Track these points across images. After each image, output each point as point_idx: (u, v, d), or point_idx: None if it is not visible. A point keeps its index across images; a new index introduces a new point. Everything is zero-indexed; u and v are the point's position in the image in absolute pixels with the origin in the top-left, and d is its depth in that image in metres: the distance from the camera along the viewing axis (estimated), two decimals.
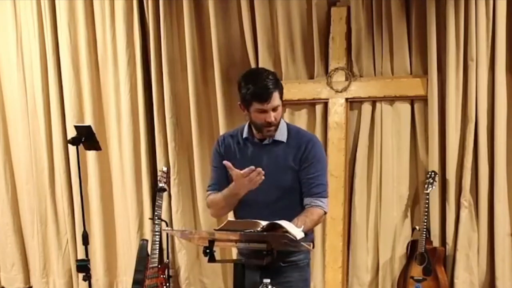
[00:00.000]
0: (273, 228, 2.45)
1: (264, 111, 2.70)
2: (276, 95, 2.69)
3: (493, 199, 4.13)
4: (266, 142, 2.83)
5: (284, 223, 2.47)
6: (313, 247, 2.95)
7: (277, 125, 2.77)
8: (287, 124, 2.91)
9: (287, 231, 2.42)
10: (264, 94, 2.66)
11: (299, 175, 2.79)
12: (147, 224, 4.87)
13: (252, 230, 2.44)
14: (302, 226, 2.57)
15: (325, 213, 2.80)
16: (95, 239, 5.03)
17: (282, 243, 2.47)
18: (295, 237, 2.41)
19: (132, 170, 4.90)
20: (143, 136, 4.88)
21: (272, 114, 2.70)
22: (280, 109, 2.75)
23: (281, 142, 2.82)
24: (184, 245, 4.87)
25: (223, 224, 2.56)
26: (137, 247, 4.61)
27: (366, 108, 4.40)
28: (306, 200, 2.78)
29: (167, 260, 4.66)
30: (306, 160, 2.78)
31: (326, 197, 2.80)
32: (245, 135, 2.87)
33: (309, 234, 2.75)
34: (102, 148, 4.39)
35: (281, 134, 2.82)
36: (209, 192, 2.95)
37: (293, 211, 2.73)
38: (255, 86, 2.68)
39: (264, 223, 2.47)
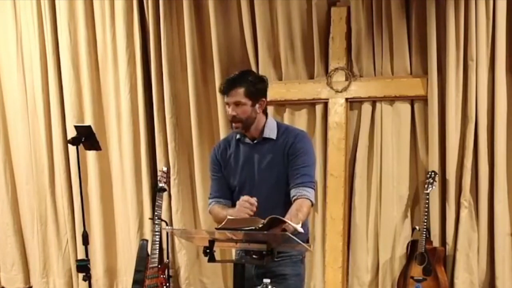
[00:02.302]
0: (274, 223, 2.46)
1: (228, 105, 2.81)
2: (239, 91, 2.78)
3: (493, 199, 4.13)
4: (256, 141, 2.90)
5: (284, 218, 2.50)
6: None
7: (242, 122, 2.82)
8: (277, 123, 2.97)
9: (287, 226, 2.45)
10: (224, 86, 2.80)
11: (287, 169, 2.84)
12: (147, 224, 4.87)
13: (254, 227, 2.45)
14: (300, 223, 2.59)
15: (312, 204, 2.82)
16: (95, 239, 5.03)
17: (282, 243, 2.48)
18: (297, 229, 2.44)
19: (132, 170, 4.91)
20: (143, 136, 4.88)
21: (233, 108, 2.79)
22: (245, 107, 2.80)
23: (271, 140, 2.88)
24: (184, 245, 4.87)
25: (223, 223, 2.57)
26: (137, 247, 4.61)
27: (366, 108, 4.40)
28: (292, 192, 2.81)
29: (167, 260, 4.66)
30: (293, 153, 2.84)
31: (312, 187, 2.82)
32: (237, 136, 2.95)
33: (304, 231, 2.77)
34: (102, 148, 4.39)
35: (271, 132, 2.89)
36: (211, 201, 3.02)
37: (285, 207, 2.76)
38: (225, 79, 2.85)
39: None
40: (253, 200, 2.69)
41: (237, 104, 2.79)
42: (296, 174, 2.81)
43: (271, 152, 2.87)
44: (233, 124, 2.85)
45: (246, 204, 2.68)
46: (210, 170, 3.06)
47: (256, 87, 2.82)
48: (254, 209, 2.66)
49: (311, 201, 2.80)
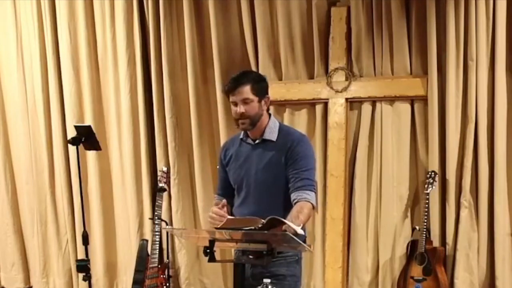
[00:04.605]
0: (273, 224, 2.46)
1: (235, 104, 2.84)
2: (246, 88, 2.82)
3: (493, 199, 4.13)
4: (257, 141, 2.94)
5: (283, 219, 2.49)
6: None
7: (250, 119, 2.85)
8: (280, 124, 3.00)
9: (287, 227, 2.45)
10: (231, 85, 2.84)
11: (286, 173, 2.85)
12: (147, 224, 4.88)
13: (253, 228, 2.45)
14: (301, 225, 2.59)
15: (314, 207, 2.83)
16: (95, 239, 5.03)
17: (282, 243, 2.48)
18: (296, 231, 2.44)
19: (132, 170, 4.91)
20: (143, 136, 4.88)
21: (242, 106, 2.83)
22: (253, 104, 2.84)
23: (271, 141, 2.91)
24: (184, 245, 4.87)
25: (223, 223, 2.57)
26: (137, 247, 4.62)
27: (366, 108, 4.40)
28: (293, 195, 2.82)
29: (167, 260, 4.67)
30: (291, 157, 2.85)
31: (312, 191, 2.83)
32: (241, 136, 3.01)
33: (303, 232, 2.77)
34: (102, 148, 4.39)
35: (272, 133, 2.92)
36: (215, 197, 3.13)
37: (281, 209, 2.78)
38: (229, 79, 2.88)
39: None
40: (223, 212, 2.72)
41: (245, 101, 2.83)
42: (296, 178, 2.82)
43: (270, 154, 2.89)
44: (240, 121, 2.86)
45: (215, 217, 2.70)
46: (218, 167, 3.15)
47: (260, 84, 2.87)
48: (224, 220, 2.65)
49: (312, 203, 2.80)
